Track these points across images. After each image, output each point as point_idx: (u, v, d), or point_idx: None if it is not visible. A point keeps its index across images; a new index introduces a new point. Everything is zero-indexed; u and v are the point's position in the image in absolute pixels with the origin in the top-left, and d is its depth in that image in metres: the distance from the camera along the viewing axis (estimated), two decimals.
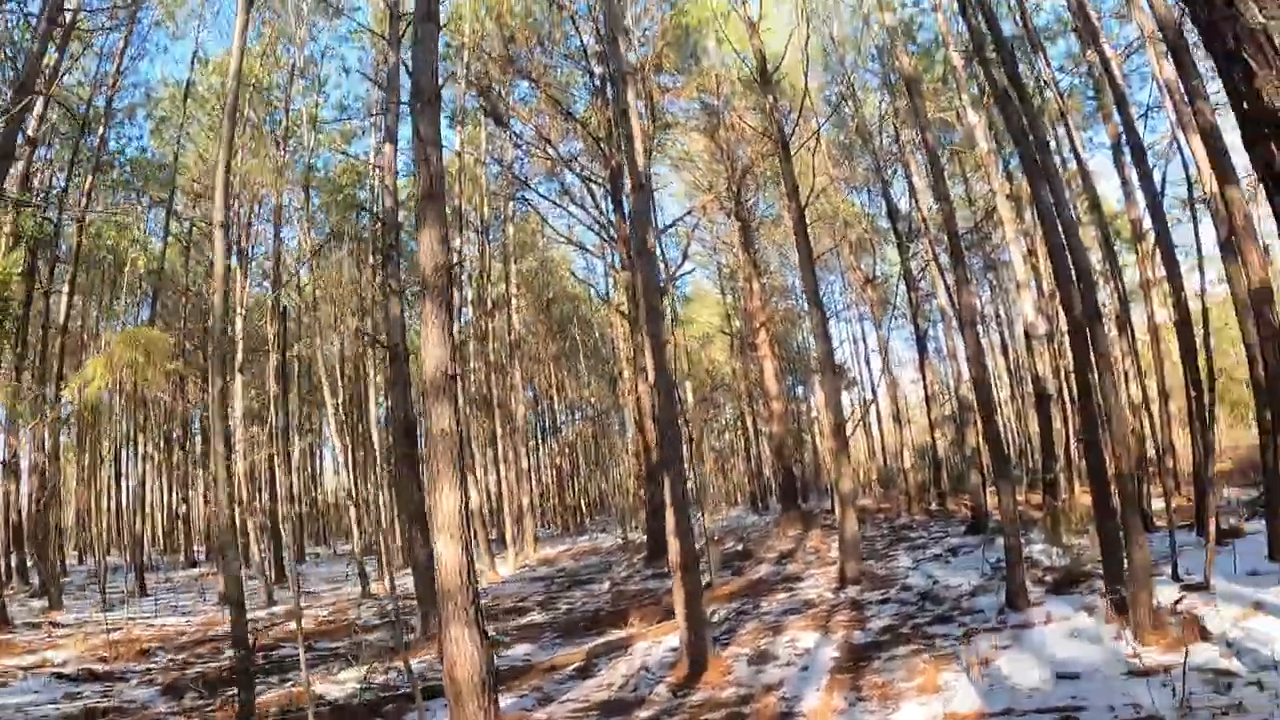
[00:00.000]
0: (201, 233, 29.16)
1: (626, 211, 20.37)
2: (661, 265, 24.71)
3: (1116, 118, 20.05)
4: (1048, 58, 19.32)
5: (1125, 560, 9.32)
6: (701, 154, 29.00)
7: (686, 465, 29.76)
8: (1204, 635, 8.38)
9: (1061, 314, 30.99)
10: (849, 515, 14.94)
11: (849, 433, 18.94)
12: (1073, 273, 10.20)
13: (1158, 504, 16.55)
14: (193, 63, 28.31)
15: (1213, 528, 10.82)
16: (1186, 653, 7.42)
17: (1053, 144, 20.51)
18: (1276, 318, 10.14)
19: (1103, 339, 9.95)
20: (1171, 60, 11.85)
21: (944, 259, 21.60)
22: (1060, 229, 10.26)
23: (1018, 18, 15.69)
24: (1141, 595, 8.86)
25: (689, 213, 27.87)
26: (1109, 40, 19.81)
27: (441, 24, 9.77)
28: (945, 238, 14.74)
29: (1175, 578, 11.08)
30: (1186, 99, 11.43)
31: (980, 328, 14.61)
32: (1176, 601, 9.86)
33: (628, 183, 11.65)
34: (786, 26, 19.72)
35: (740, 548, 22.27)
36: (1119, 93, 16.18)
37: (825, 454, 30.45)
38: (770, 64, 16.89)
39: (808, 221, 17.04)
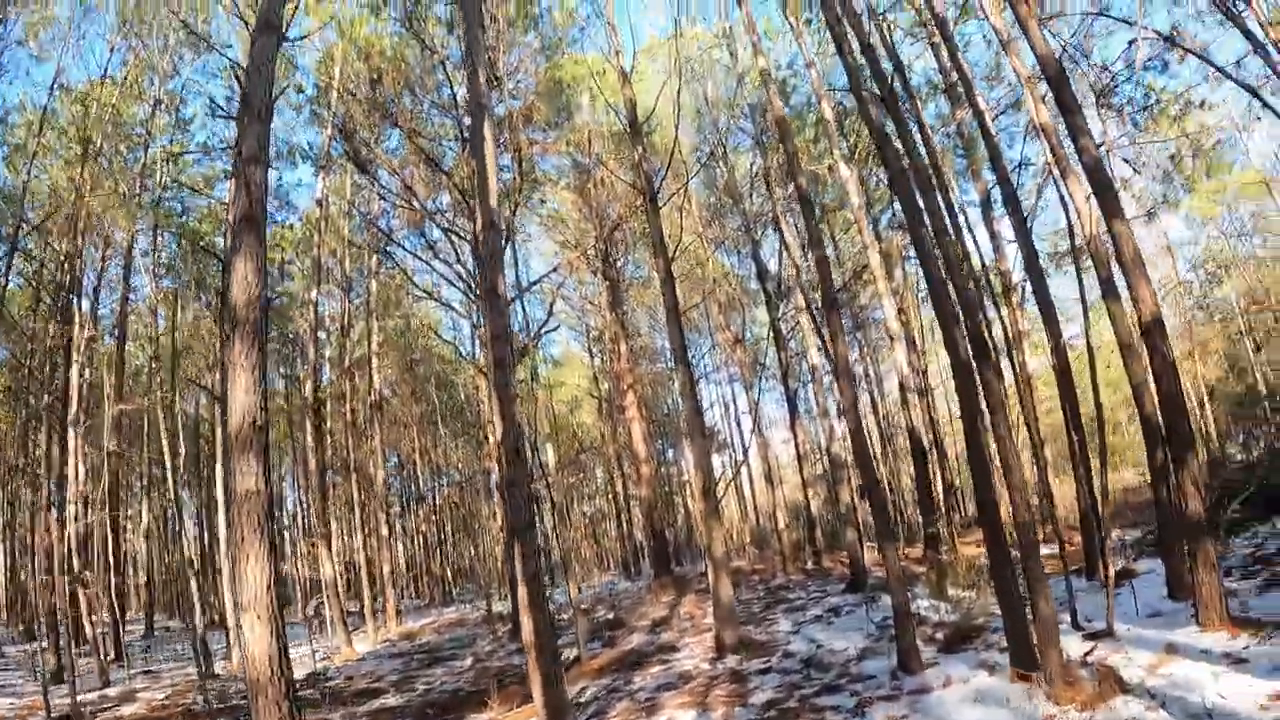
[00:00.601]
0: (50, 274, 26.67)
1: None
2: (524, 321, 23.93)
3: (986, 175, 20.20)
4: (921, 114, 19.21)
5: (1029, 612, 8.65)
6: (571, 212, 28.41)
7: (550, 531, 28.87)
8: (1122, 687, 7.76)
9: (935, 364, 31.26)
10: (723, 580, 14.07)
11: (720, 494, 18.23)
12: (958, 313, 9.57)
13: (1044, 550, 16.25)
14: (52, 88, 26.09)
15: (1111, 571, 10.38)
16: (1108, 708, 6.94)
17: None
18: (1170, 351, 9.78)
19: (993, 379, 9.31)
20: (1053, 97, 11.53)
21: (816, 314, 21.39)
22: (942, 266, 9.69)
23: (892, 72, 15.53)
24: (1051, 650, 8.20)
25: (555, 269, 27.09)
26: (982, 94, 19.85)
27: (285, 36, 8.70)
28: (817, 291, 14.23)
29: (1076, 626, 10.63)
30: (1070, 136, 11.10)
31: (855, 388, 14.07)
32: (1086, 653, 9.33)
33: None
34: (660, 79, 19.35)
35: (612, 616, 21.19)
36: (993, 144, 16.06)
37: (697, 516, 29.83)
38: (641, 115, 16.34)
39: (675, 278, 16.41)
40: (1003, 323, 19.38)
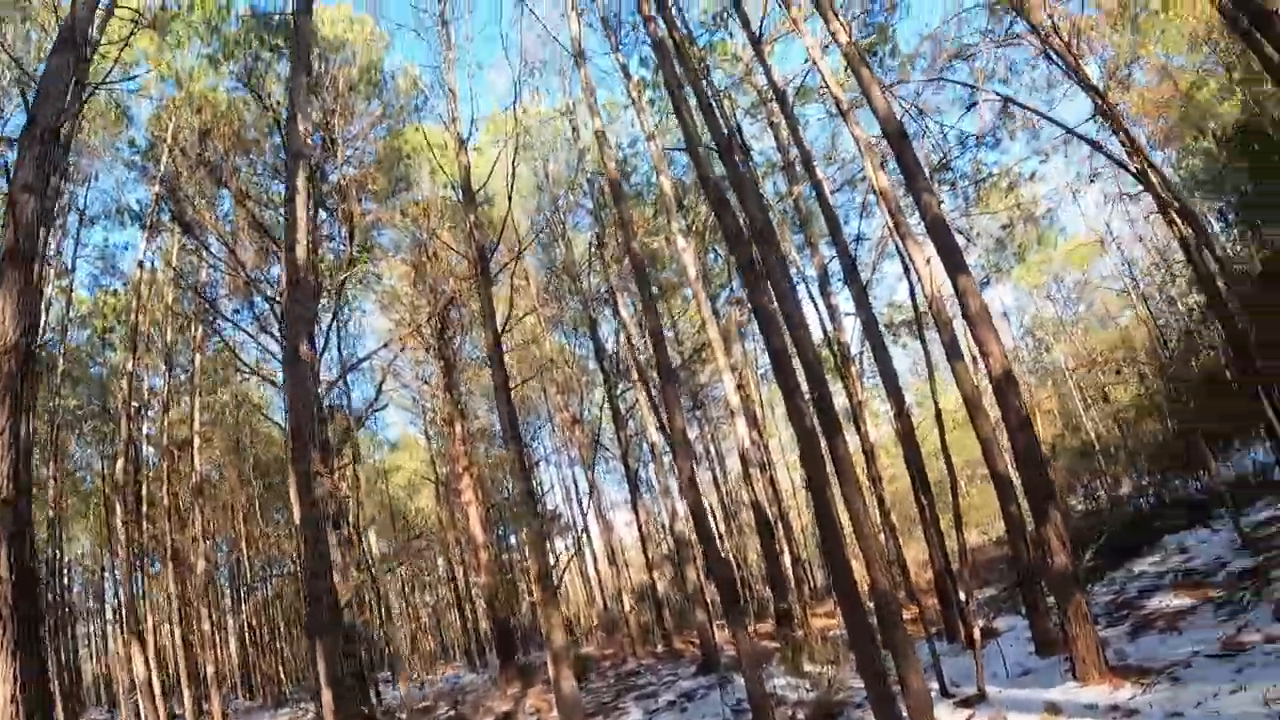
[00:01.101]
0: None
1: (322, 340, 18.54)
2: (348, 400, 22.81)
3: (824, 249, 20.37)
4: (760, 185, 19.33)
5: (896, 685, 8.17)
6: (406, 288, 27.41)
7: (378, 625, 27.20)
8: None
9: (776, 440, 31.21)
10: (564, 672, 13.05)
11: (558, 579, 17.46)
12: (800, 382, 9.17)
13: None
14: None
15: (975, 631, 10.08)
16: None
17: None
18: (1023, 404, 9.65)
19: (843, 444, 8.91)
20: (895, 161, 11.56)
21: (653, 390, 21.08)
22: (785, 332, 9.33)
23: (732, 130, 15.58)
24: None
25: (385, 345, 26.05)
26: (820, 169, 20.10)
27: (86, 57, 7.88)
28: (653, 366, 13.82)
29: (945, 693, 10.32)
30: (913, 195, 11.12)
31: (693, 462, 13.65)
32: None
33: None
34: (499, 151, 18.87)
35: (453, 713, 19.93)
36: (832, 216, 16.23)
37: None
38: (477, 183, 15.80)
39: (509, 356, 15.79)
40: (848, 392, 19.44)
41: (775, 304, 9.49)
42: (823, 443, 8.86)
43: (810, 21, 15.90)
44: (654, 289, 26.93)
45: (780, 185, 24.91)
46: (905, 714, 7.87)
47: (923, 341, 12.98)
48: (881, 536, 18.11)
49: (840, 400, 19.93)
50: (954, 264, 10.29)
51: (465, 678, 30.10)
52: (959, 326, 12.34)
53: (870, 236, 21.64)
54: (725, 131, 10.63)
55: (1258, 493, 16.99)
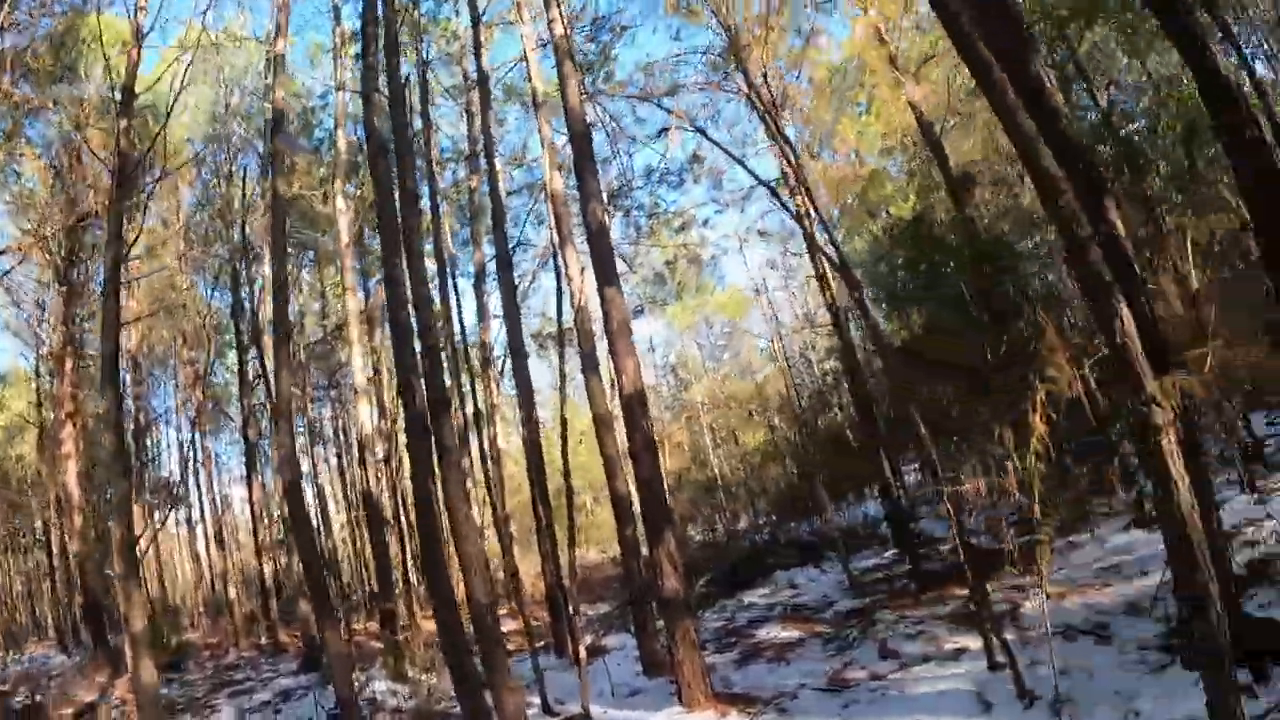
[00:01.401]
0: None
1: None
2: None
3: (487, 248, 19.90)
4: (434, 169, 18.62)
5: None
6: (44, 194, 23.97)
7: None
8: None
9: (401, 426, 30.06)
10: (144, 661, 11.24)
11: (143, 550, 15.70)
12: (418, 358, 8.54)
13: (511, 624, 15.77)
14: None
15: (582, 648, 9.87)
16: None
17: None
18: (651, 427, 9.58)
19: (450, 435, 8.26)
20: (573, 159, 11.30)
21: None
22: (411, 302, 8.57)
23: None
24: None
25: (3, 251, 22.67)
26: (502, 169, 19.71)
27: None
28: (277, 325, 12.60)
29: (548, 710, 10.03)
30: (581, 199, 10.90)
31: (293, 437, 12.58)
32: None
33: None
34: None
35: (31, 700, 17.49)
36: (500, 210, 15.86)
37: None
38: (143, 86, 13.83)
39: (138, 290, 13.98)
40: (486, 393, 19.12)
41: (408, 280, 8.65)
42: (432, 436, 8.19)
43: (537, 24, 15.38)
44: (311, 252, 25.56)
45: (461, 174, 24.01)
46: None
47: (561, 353, 12.84)
48: (495, 543, 17.84)
49: (478, 401, 19.59)
50: (606, 276, 10.03)
51: (55, 659, 26.75)
52: (602, 346, 12.31)
53: (536, 244, 21.53)
54: (401, 80, 9.79)
55: (865, 542, 18.40)
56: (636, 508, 10.57)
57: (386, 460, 21.44)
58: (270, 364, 19.75)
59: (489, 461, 17.58)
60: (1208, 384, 6.88)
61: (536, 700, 10.13)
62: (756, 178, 15.36)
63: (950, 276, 15.56)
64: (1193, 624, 4.82)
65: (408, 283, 8.43)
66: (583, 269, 12.30)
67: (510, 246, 16.35)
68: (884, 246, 18.31)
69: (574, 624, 10.37)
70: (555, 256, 14.66)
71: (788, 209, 16.50)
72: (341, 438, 34.09)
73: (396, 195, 8.77)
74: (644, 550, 10.89)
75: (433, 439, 8.12)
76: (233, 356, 26.42)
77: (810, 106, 18.94)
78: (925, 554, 14.19)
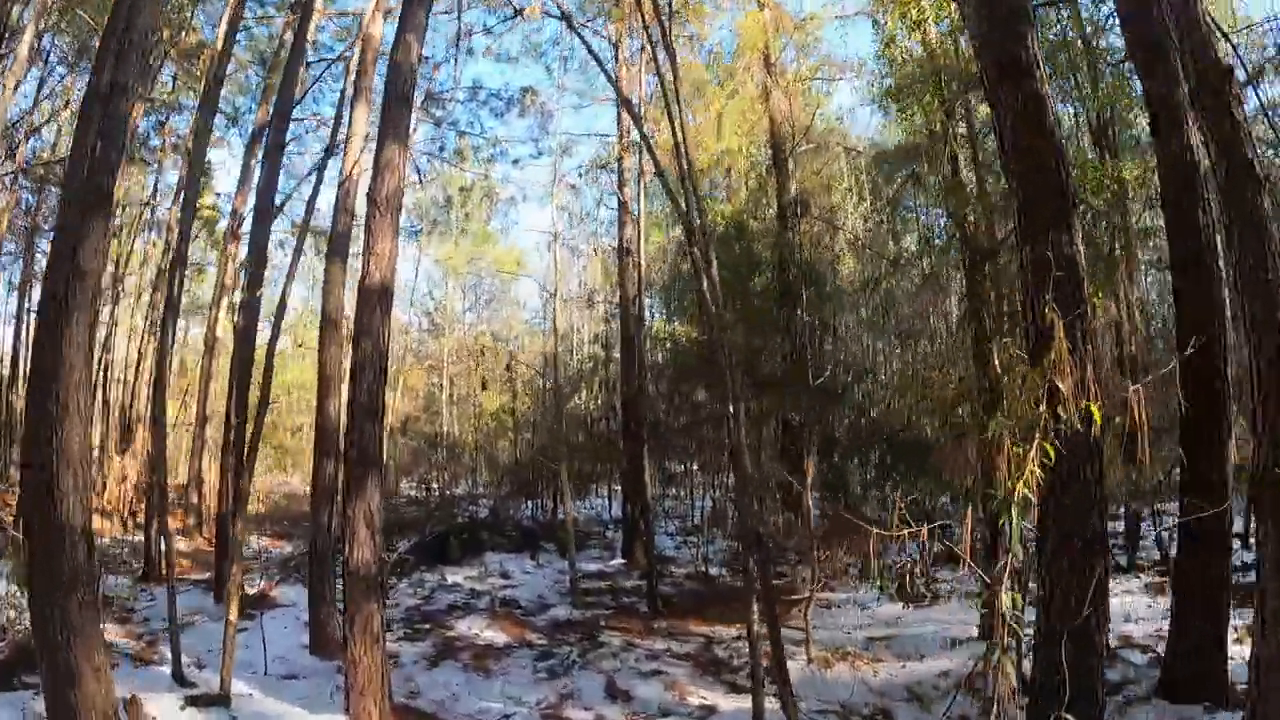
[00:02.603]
0: None
1: None
2: None
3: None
4: None
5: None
6: None
7: None
8: None
9: None
10: None
11: None
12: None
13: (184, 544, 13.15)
14: None
15: (233, 606, 7.48)
16: None
17: None
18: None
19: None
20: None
21: None
22: None
23: None
24: None
25: None
26: None
27: None
28: None
29: (180, 679, 7.65)
30: (390, 51, 8.42)
31: None
32: None
33: None
34: None
35: None
36: (300, 46, 12.97)
37: None
38: None
39: None
40: (221, 272, 16.27)
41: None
42: None
43: None
44: None
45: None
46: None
47: (302, 233, 10.23)
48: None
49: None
50: (395, 128, 7.26)
51: None
52: (359, 234, 9.64)
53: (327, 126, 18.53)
54: None
55: (591, 543, 16.68)
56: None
57: None
58: None
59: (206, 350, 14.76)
60: None
61: (166, 665, 7.72)
62: (625, 102, 12.97)
63: (754, 295, 14.36)
64: None
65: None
66: (367, 136, 9.80)
67: (295, 102, 13.43)
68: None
69: (234, 565, 7.89)
70: (339, 119, 12.00)
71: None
72: None
73: None
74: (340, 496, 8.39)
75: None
76: None
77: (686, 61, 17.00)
78: (660, 572, 12.41)
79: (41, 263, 17.69)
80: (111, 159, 5.24)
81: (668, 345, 17.81)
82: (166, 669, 7.86)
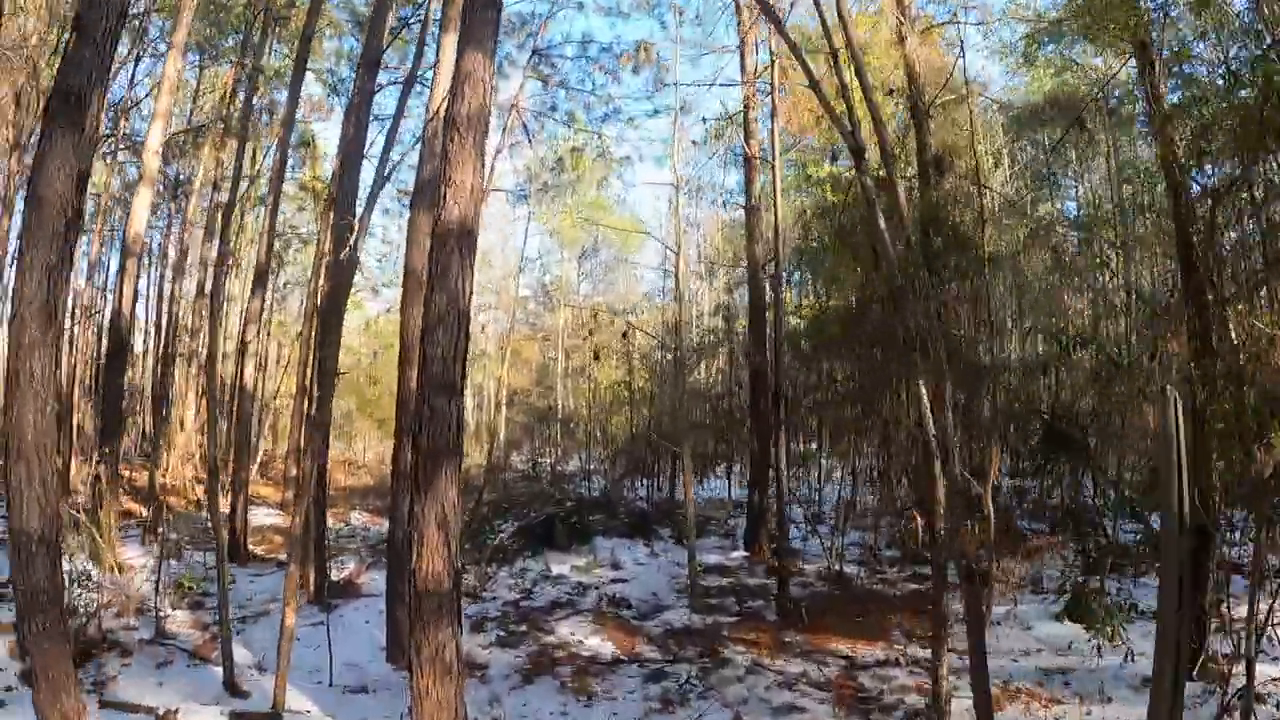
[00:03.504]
0: None
1: None
2: None
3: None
4: None
5: None
6: None
7: None
8: None
9: None
10: None
11: None
12: None
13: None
14: None
15: (292, 609, 6.56)
16: None
17: None
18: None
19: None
20: None
21: None
22: None
23: None
24: None
25: None
26: None
27: None
28: None
29: (231, 688, 6.80)
30: None
31: None
32: None
33: None
34: None
35: None
36: None
37: None
38: None
39: None
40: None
41: None
42: None
43: None
44: None
45: None
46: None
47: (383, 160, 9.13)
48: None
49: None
50: (475, 35, 6.00)
51: None
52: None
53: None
54: None
55: (710, 530, 15.21)
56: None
57: None
58: None
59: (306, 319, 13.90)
60: None
61: (220, 664, 6.70)
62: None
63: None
64: None
65: None
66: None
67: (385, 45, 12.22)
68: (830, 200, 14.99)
69: (292, 562, 6.72)
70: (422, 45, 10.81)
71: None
72: None
73: None
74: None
75: None
76: None
77: None
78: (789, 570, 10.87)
79: None
80: (86, 58, 4.05)
81: (802, 314, 16.36)
82: (219, 671, 6.81)
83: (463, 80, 5.42)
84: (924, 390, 5.21)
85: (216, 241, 16.61)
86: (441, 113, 8.31)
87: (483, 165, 5.47)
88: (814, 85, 6.10)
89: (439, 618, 4.98)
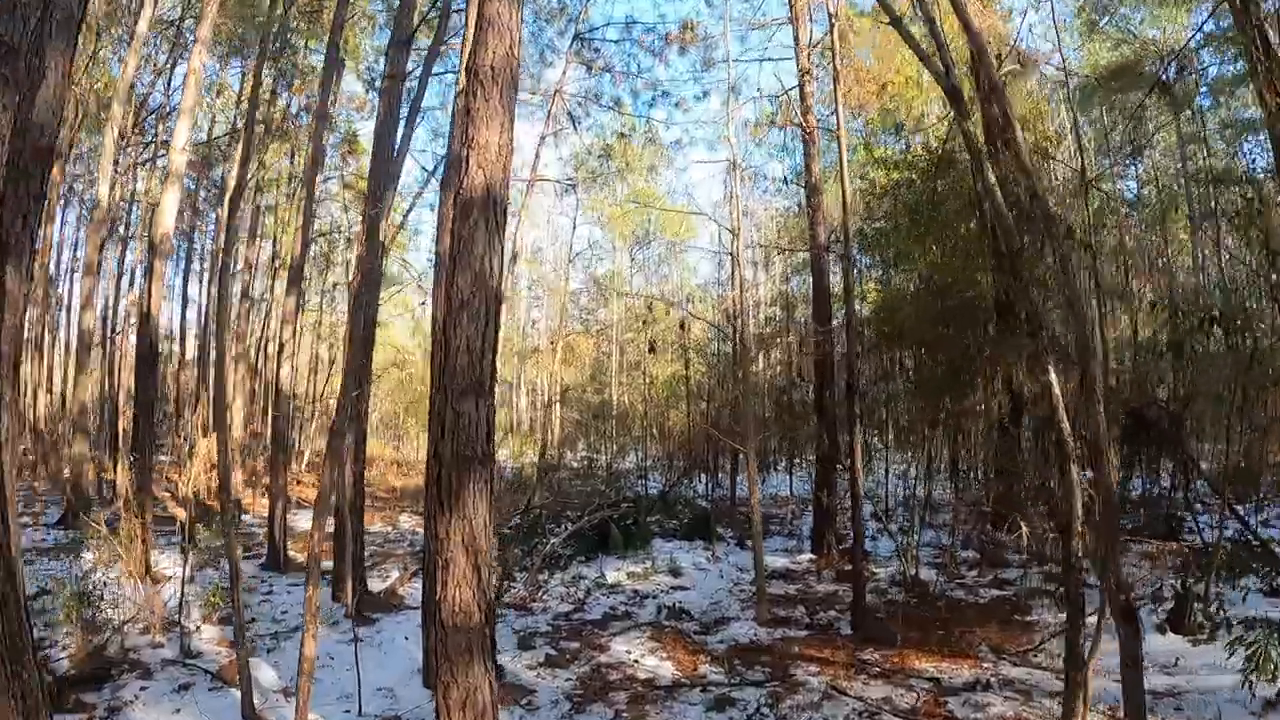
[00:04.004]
0: None
1: None
2: None
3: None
4: None
5: None
6: None
7: None
8: None
9: None
10: None
11: None
12: None
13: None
14: None
15: (312, 635, 6.00)
16: None
17: None
18: None
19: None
20: None
21: None
22: None
23: None
24: None
25: None
26: None
27: None
28: None
29: (253, 712, 5.88)
30: None
31: None
32: None
33: None
34: None
35: None
36: None
37: None
38: None
39: None
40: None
41: None
42: None
43: None
44: None
45: None
46: None
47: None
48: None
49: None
50: None
51: None
52: None
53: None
54: None
55: (774, 529, 14.38)
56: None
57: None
58: None
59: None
60: None
61: (279, 680, 6.21)
62: None
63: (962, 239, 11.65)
64: None
65: None
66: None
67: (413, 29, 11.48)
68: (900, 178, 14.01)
69: (310, 585, 6.00)
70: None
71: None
72: None
73: None
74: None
75: None
76: None
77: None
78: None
79: None
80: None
81: (870, 298, 15.51)
82: (279, 683, 6.23)
83: (485, 27, 4.63)
84: (1053, 377, 4.37)
85: (256, 240, 16.18)
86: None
87: (511, 123, 4.65)
88: (895, 21, 5.31)
89: (468, 657, 4.20)
